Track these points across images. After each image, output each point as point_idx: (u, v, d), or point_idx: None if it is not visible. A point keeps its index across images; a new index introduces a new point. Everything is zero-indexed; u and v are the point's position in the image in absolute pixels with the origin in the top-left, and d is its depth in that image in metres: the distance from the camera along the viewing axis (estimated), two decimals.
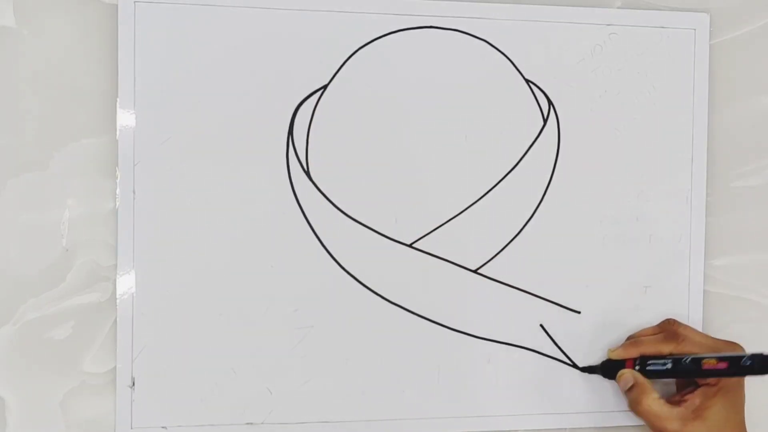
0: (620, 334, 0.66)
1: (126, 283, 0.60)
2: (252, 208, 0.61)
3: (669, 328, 0.63)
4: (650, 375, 0.62)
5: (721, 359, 0.59)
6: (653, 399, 0.61)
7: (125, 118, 0.60)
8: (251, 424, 0.62)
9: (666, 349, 0.62)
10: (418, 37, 0.63)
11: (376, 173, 0.63)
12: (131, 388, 0.60)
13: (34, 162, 0.60)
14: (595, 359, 0.65)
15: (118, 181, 0.60)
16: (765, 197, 0.69)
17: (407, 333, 0.63)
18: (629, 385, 0.62)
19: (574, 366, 0.65)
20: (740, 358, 0.59)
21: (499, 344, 0.65)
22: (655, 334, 0.64)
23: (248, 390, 0.61)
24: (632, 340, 0.64)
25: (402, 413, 0.63)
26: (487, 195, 0.64)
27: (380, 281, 0.63)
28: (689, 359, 0.60)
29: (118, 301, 0.60)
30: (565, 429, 0.66)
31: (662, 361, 0.61)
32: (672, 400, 0.62)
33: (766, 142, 0.69)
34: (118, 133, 0.60)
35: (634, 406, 0.62)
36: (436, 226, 0.64)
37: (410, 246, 0.63)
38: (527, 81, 0.65)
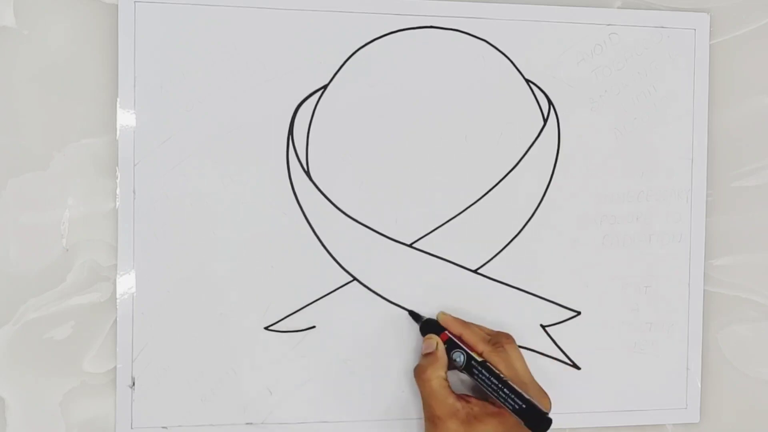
0: (620, 334, 0.66)
1: (126, 283, 0.60)
2: (252, 208, 0.61)
3: (500, 339, 0.60)
4: (450, 358, 0.59)
5: (505, 393, 0.56)
6: (438, 375, 0.58)
7: (125, 118, 0.60)
8: (251, 424, 0.62)
9: (481, 347, 0.59)
10: (418, 37, 0.63)
11: (376, 173, 0.63)
12: (131, 388, 0.60)
13: (34, 162, 0.60)
14: (596, 359, 0.65)
15: (118, 181, 0.60)
16: (765, 197, 0.69)
17: (407, 333, 0.63)
18: (429, 350, 0.59)
19: (574, 366, 0.65)
20: (522, 405, 0.55)
21: None
22: (488, 333, 0.61)
23: (248, 390, 0.62)
24: (465, 321, 0.62)
25: (402, 413, 0.63)
26: (487, 195, 0.64)
27: (380, 281, 0.63)
28: (483, 368, 0.57)
29: (118, 301, 0.60)
30: (565, 429, 0.66)
31: (464, 353, 0.58)
32: (461, 393, 0.59)
33: (766, 142, 0.69)
34: (118, 133, 0.60)
35: (419, 373, 0.59)
36: (436, 226, 0.64)
37: (410, 246, 0.63)
38: (527, 81, 0.65)
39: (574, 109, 0.65)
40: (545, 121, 0.65)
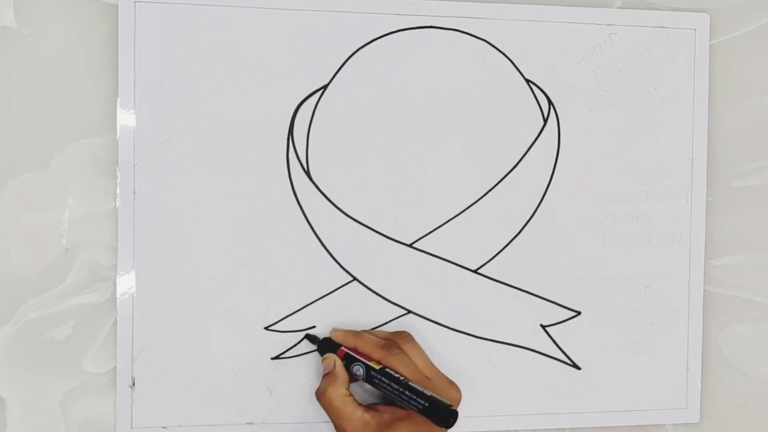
0: (620, 334, 0.66)
1: (126, 283, 0.60)
2: (252, 208, 0.61)
3: (398, 339, 0.60)
4: (350, 372, 0.58)
5: (407, 395, 0.55)
6: (340, 393, 0.57)
7: (125, 118, 0.60)
8: (251, 424, 0.62)
9: (377, 354, 0.58)
10: (418, 37, 0.63)
11: (376, 173, 0.63)
12: (131, 388, 0.60)
13: (34, 162, 0.60)
14: (596, 359, 0.65)
15: (118, 181, 0.60)
16: (765, 197, 0.69)
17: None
18: (328, 370, 0.58)
19: (574, 366, 0.65)
20: (425, 404, 0.54)
21: (499, 344, 0.65)
22: (384, 338, 0.60)
23: (248, 390, 0.61)
24: (358, 331, 0.61)
25: None
26: (487, 195, 0.64)
27: (380, 281, 0.63)
28: (382, 374, 0.57)
29: (118, 301, 0.60)
30: (565, 429, 0.66)
31: (362, 364, 0.58)
32: (370, 404, 0.59)
33: (766, 142, 0.69)
34: (118, 133, 0.60)
35: (320, 395, 0.57)
36: (436, 226, 0.64)
37: (410, 246, 0.63)
38: (527, 81, 0.65)
39: (574, 109, 0.65)
40: (545, 121, 0.65)
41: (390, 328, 0.63)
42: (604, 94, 0.66)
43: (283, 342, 0.62)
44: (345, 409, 0.56)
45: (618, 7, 0.66)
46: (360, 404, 0.57)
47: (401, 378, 0.56)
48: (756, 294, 0.69)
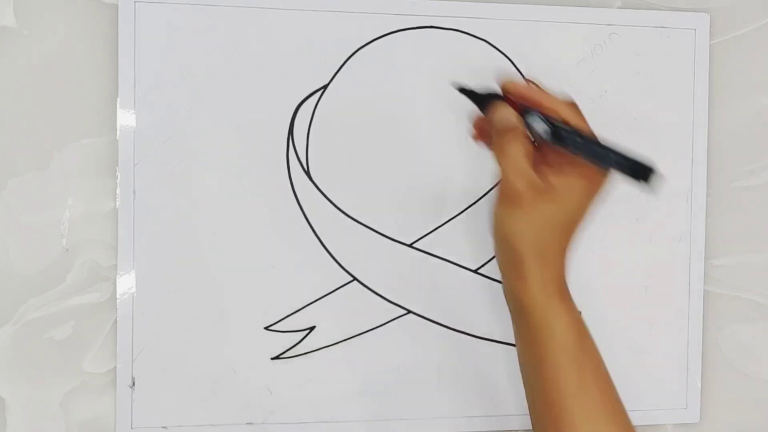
0: (620, 334, 0.66)
1: (126, 283, 0.60)
2: (252, 207, 0.61)
3: (573, 102, 0.52)
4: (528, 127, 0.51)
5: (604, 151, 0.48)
6: (527, 152, 0.49)
7: (125, 118, 0.60)
8: (251, 424, 0.62)
9: (565, 114, 0.50)
10: (418, 37, 0.63)
11: (376, 173, 0.63)
12: (131, 388, 0.60)
13: (34, 162, 0.60)
14: None
15: (118, 181, 0.60)
16: (765, 197, 0.69)
17: (407, 333, 0.63)
18: (509, 124, 0.50)
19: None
20: (633, 159, 0.47)
21: (499, 344, 0.65)
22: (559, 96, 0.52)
23: (248, 390, 0.62)
24: (537, 87, 0.53)
25: (402, 413, 0.63)
26: (487, 195, 0.64)
27: (380, 281, 0.63)
28: (571, 130, 0.49)
29: (118, 301, 0.60)
30: None
31: (546, 120, 0.50)
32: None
33: (766, 142, 0.69)
34: (118, 133, 0.60)
35: (501, 148, 0.50)
36: (436, 226, 0.64)
37: (410, 246, 0.63)
38: (527, 81, 0.65)
39: None
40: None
41: (390, 327, 0.63)
42: (604, 94, 0.66)
43: (283, 342, 0.62)
44: (526, 168, 0.49)
45: (618, 7, 0.66)
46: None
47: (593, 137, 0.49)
48: (756, 294, 0.69)
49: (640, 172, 0.47)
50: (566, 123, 0.50)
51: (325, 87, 0.62)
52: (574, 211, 0.50)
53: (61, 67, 0.60)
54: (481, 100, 0.54)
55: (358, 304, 0.63)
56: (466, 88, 0.54)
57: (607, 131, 0.66)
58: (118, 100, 0.60)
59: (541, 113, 0.50)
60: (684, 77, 0.66)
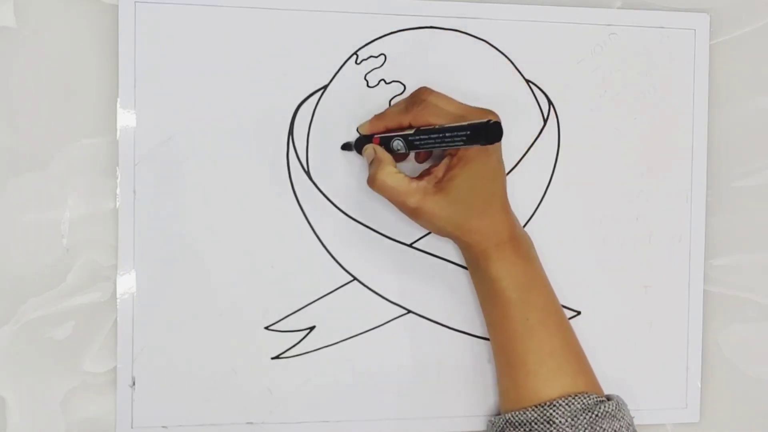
0: (620, 334, 0.66)
1: (126, 283, 0.60)
2: (252, 208, 0.61)
3: (417, 97, 0.58)
4: (393, 151, 0.58)
5: (449, 136, 0.53)
6: (389, 173, 0.56)
7: (125, 118, 0.60)
8: (251, 424, 0.62)
9: (406, 119, 0.57)
10: (418, 37, 0.63)
11: None
12: (131, 387, 0.60)
13: (34, 162, 0.60)
14: (596, 359, 0.65)
15: (118, 181, 0.60)
16: (765, 197, 0.69)
17: (407, 333, 0.63)
18: (370, 159, 0.58)
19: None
20: (468, 126, 0.52)
21: None
22: (404, 102, 0.59)
23: (248, 390, 0.62)
24: (379, 114, 0.60)
25: (402, 413, 0.63)
26: None
27: (380, 281, 0.63)
28: (419, 133, 0.55)
29: (118, 301, 0.60)
30: None
31: (398, 137, 0.57)
32: (419, 176, 0.58)
33: (766, 142, 0.69)
34: (118, 133, 0.60)
35: (371, 182, 0.57)
36: None
37: (410, 246, 0.63)
38: (527, 81, 0.65)
39: (574, 109, 0.65)
40: (545, 121, 0.65)
41: (390, 327, 0.63)
42: (604, 94, 0.66)
43: (283, 342, 0.62)
44: (400, 184, 0.56)
45: (618, 8, 0.66)
46: (412, 177, 0.57)
47: (436, 126, 0.55)
48: (756, 294, 0.69)
49: (488, 132, 0.51)
50: (417, 128, 0.56)
51: (325, 87, 0.62)
52: (474, 188, 0.56)
53: (61, 67, 0.60)
54: (358, 146, 0.61)
55: (358, 304, 0.63)
56: (344, 144, 0.62)
57: (607, 131, 0.66)
58: (118, 100, 0.60)
59: (396, 134, 0.57)
60: (684, 77, 0.66)
